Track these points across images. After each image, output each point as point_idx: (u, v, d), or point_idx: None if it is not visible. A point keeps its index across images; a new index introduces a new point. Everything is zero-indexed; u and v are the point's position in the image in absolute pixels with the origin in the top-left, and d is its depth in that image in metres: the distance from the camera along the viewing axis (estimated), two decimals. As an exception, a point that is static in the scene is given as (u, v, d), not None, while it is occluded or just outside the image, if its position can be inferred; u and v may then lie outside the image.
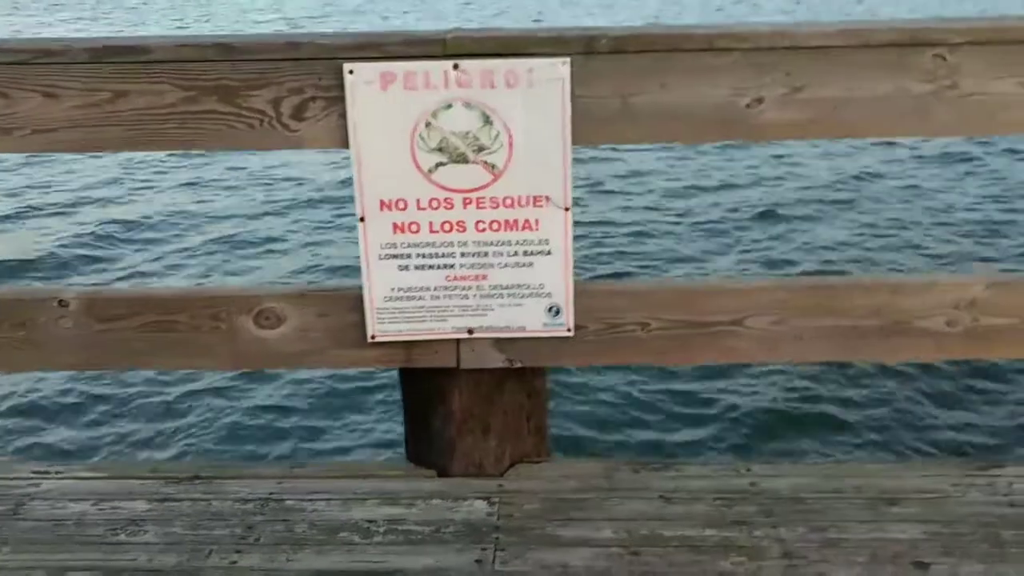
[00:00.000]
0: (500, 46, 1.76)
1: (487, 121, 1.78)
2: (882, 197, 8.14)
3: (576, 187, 1.90)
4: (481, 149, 1.80)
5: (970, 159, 9.52)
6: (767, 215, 7.50)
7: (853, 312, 1.93)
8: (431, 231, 1.86)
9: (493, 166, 1.81)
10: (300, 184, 8.81)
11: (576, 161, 1.84)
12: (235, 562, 1.84)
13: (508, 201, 1.84)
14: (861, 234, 7.00)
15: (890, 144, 9.69)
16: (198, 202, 8.52)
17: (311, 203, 8.23)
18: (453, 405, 2.08)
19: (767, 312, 1.93)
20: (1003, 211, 7.69)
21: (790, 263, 6.36)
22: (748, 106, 1.79)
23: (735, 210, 7.64)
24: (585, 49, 1.76)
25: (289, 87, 1.79)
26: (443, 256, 1.88)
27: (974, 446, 3.72)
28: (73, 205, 8.48)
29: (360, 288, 1.91)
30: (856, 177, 8.79)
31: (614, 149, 9.18)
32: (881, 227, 7.19)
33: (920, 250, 6.66)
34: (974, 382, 4.13)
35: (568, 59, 1.75)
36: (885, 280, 2.15)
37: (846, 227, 7.21)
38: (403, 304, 1.92)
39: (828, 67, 1.77)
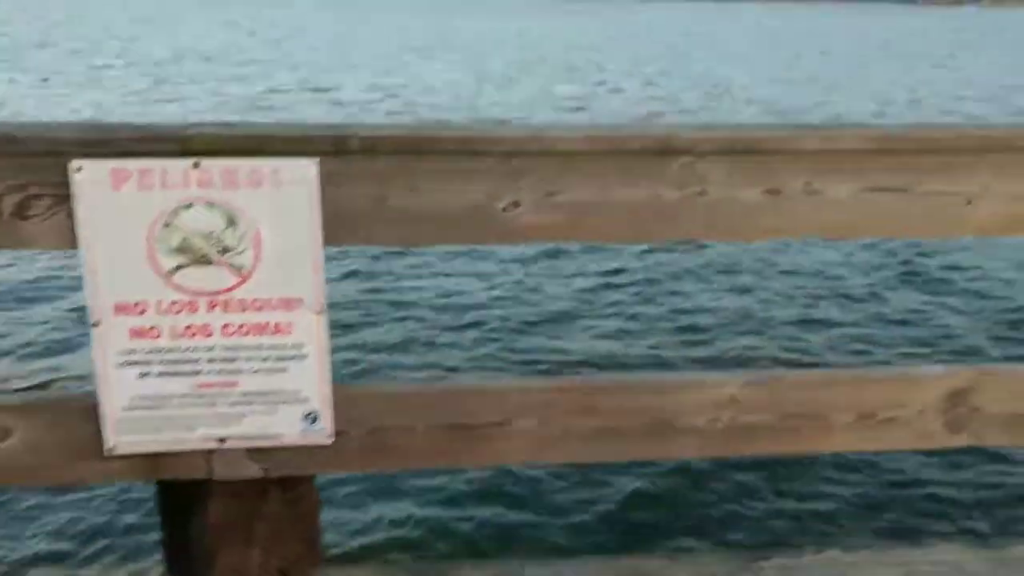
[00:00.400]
0: (244, 145, 1.68)
1: (231, 222, 1.69)
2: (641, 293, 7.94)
3: (336, 286, 1.83)
4: (226, 250, 1.70)
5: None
6: (537, 312, 7.26)
7: (618, 412, 1.93)
8: (173, 336, 1.74)
9: (239, 268, 1.72)
10: (30, 280, 7.78)
11: (335, 259, 1.77)
12: None
13: (256, 304, 1.75)
14: (635, 331, 6.90)
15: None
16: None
17: (43, 300, 7.28)
18: (211, 516, 1.94)
19: (533, 413, 1.91)
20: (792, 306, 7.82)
21: (561, 362, 6.20)
22: (504, 209, 1.77)
23: (504, 309, 7.33)
24: (334, 149, 1.70)
25: (10, 184, 1.64)
26: (188, 362, 1.76)
27: (742, 538, 3.84)
28: None
29: (96, 397, 1.76)
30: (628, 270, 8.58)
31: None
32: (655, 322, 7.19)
33: (691, 347, 6.71)
34: (740, 476, 4.29)
35: (316, 159, 1.69)
36: (649, 379, 2.17)
37: (625, 323, 7.09)
38: (146, 414, 1.78)
39: (580, 172, 1.78)
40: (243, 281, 1.73)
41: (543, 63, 33.59)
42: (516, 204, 1.77)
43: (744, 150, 1.81)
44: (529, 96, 22.50)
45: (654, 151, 1.78)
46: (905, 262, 8.80)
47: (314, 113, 18.49)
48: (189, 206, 1.67)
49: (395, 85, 24.09)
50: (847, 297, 7.79)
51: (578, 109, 20.39)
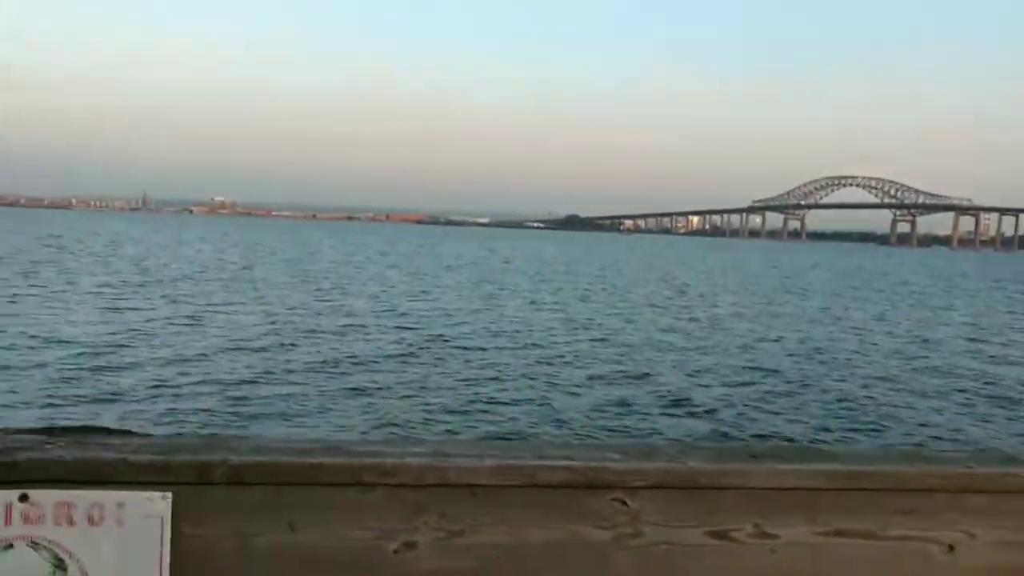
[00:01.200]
0: (84, 472, 1.42)
1: (59, 565, 1.40)
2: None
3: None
4: (50, 600, 1.40)
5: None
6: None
7: None
8: None
9: (65, 622, 1.41)
10: None
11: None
12: None
13: None
14: None
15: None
16: None
17: None
18: None
19: None
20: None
21: None
22: (396, 552, 1.49)
23: None
24: (195, 479, 1.44)
25: None
26: None
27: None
28: None
29: None
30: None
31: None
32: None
33: None
34: None
35: (170, 492, 1.42)
36: None
37: None
38: None
39: (490, 509, 1.50)
40: (68, 638, 1.41)
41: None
42: (411, 546, 1.49)
43: (682, 486, 1.55)
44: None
45: (577, 485, 1.52)
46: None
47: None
48: (8, 547, 1.38)
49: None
50: None
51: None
